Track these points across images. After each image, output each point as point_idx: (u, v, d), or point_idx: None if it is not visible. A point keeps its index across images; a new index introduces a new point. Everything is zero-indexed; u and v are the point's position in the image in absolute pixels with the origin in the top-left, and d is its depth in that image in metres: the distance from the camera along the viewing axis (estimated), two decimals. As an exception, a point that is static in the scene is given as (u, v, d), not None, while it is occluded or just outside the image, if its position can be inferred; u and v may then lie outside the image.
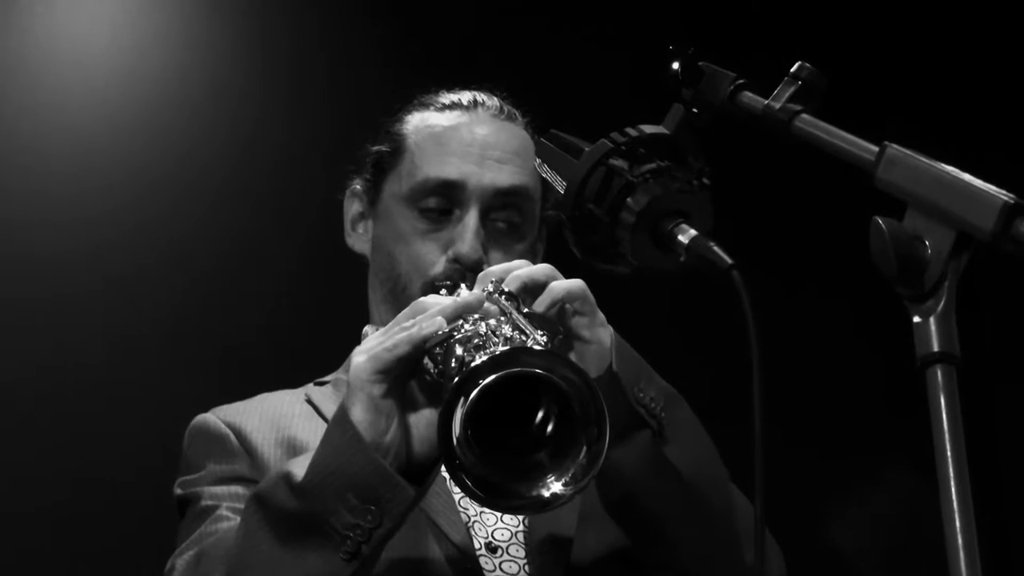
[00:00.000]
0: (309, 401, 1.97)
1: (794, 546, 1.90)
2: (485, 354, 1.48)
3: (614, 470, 1.67)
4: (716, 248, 1.39)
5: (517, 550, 1.81)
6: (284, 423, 1.91)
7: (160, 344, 3.35)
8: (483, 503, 1.54)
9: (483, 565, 1.78)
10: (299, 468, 1.61)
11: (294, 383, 2.04)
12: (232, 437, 1.90)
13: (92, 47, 3.50)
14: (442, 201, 1.95)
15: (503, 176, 1.96)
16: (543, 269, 1.69)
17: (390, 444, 1.58)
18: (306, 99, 3.62)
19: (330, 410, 1.90)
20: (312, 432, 1.88)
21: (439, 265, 1.93)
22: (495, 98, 2.05)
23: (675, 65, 1.49)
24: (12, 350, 3.26)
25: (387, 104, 2.11)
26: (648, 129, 1.50)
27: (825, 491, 3.83)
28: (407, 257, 1.95)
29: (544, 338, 1.54)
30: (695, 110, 1.49)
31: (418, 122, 2.03)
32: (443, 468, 1.53)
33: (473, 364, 1.47)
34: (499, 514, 1.84)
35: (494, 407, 1.49)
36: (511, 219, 1.96)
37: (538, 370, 1.48)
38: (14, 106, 3.39)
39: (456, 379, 1.47)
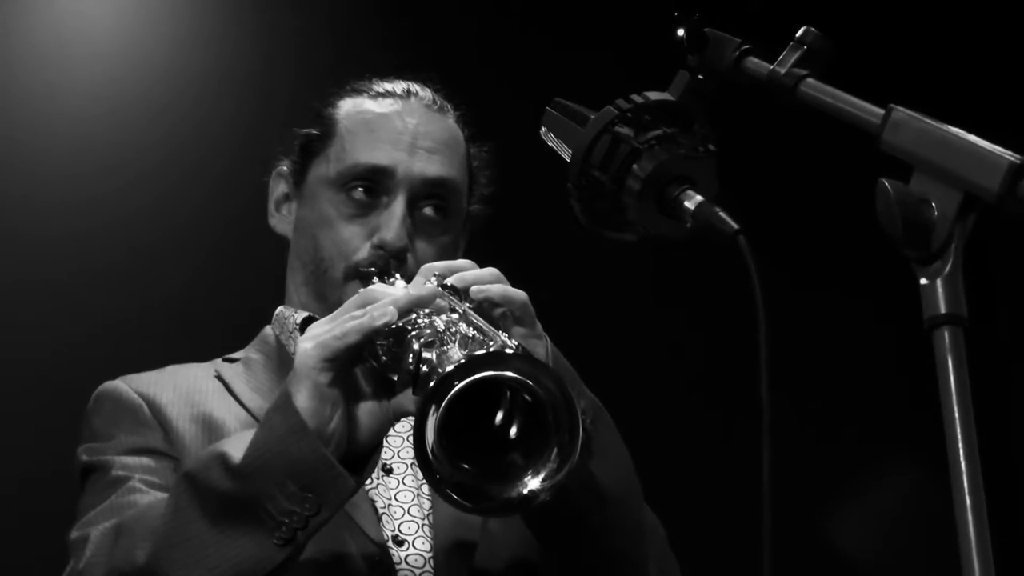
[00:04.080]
0: (219, 378, 1.94)
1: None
2: (451, 359, 1.46)
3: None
4: (722, 214, 1.38)
5: (423, 543, 1.80)
6: (199, 399, 1.88)
7: (180, 319, 3.37)
8: (467, 511, 1.53)
9: (392, 557, 1.77)
10: (235, 450, 1.58)
11: (201, 359, 2.02)
12: (145, 408, 1.86)
13: (96, 28, 3.50)
14: (370, 187, 1.95)
15: (433, 166, 1.96)
16: (490, 273, 1.69)
17: (333, 432, 1.56)
18: (314, 73, 3.62)
19: (241, 388, 1.91)
20: (227, 410, 1.87)
21: (363, 251, 1.92)
22: (428, 90, 2.05)
23: (680, 31, 1.48)
24: (19, 327, 3.27)
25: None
26: (653, 96, 1.50)
27: (829, 480, 3.83)
28: (331, 241, 1.94)
29: (513, 341, 1.53)
30: (700, 76, 1.49)
31: (350, 108, 2.03)
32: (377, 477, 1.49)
33: (447, 369, 1.44)
34: (406, 506, 1.83)
35: (464, 407, 1.47)
36: (437, 210, 1.96)
37: (525, 377, 1.47)
38: (16, 86, 3.40)
39: (432, 382, 1.44)
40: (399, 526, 1.80)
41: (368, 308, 1.57)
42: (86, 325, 3.33)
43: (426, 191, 1.95)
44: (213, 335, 2.13)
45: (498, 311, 1.66)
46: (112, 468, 1.80)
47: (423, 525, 1.81)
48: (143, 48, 3.54)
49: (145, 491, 1.75)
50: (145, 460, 1.81)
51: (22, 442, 3.20)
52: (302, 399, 1.55)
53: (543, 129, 1.61)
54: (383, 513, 1.81)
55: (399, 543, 1.79)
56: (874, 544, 3.83)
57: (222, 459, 1.58)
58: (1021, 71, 4.02)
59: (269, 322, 2.05)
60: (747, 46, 1.45)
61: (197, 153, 3.52)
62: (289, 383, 1.57)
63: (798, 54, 1.39)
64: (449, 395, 1.43)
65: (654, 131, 1.47)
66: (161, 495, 1.72)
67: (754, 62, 1.44)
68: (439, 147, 1.98)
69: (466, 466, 1.48)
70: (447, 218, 1.97)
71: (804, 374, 3.52)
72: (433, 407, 1.43)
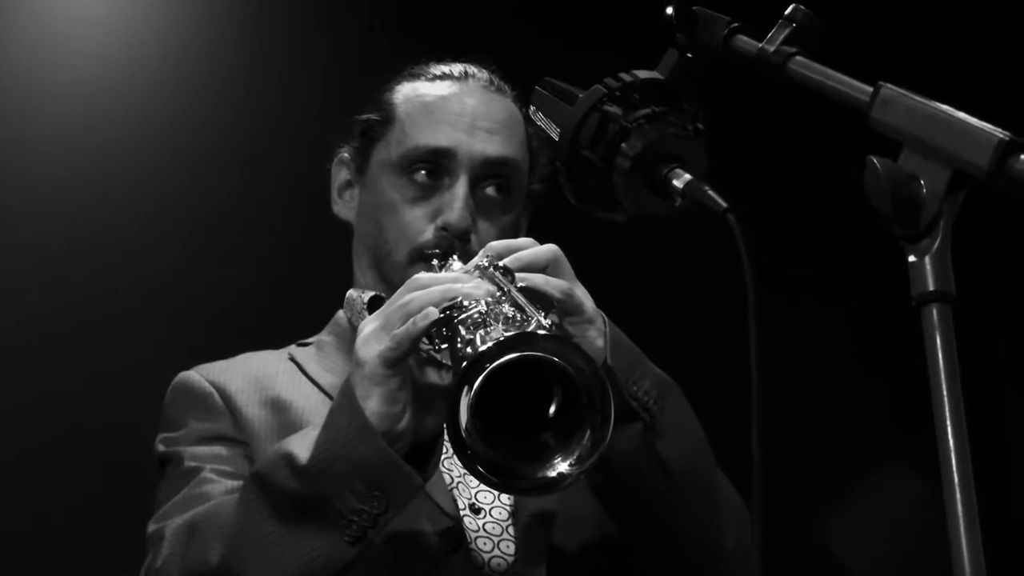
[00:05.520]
0: (292, 359, 1.97)
1: (793, 542, 1.91)
2: (489, 339, 1.48)
3: (604, 460, 1.68)
4: (711, 192, 1.38)
5: (500, 512, 1.82)
6: (268, 382, 1.91)
7: (146, 305, 3.37)
8: (496, 487, 1.56)
9: (467, 525, 1.79)
10: (301, 450, 1.61)
11: (276, 345, 2.05)
12: (216, 395, 1.89)
13: (93, 4, 3.49)
14: (432, 169, 1.95)
15: (493, 146, 1.96)
16: (545, 252, 1.70)
17: (402, 431, 1.59)
18: (303, 58, 3.62)
19: (314, 369, 1.94)
20: (296, 390, 1.90)
21: (427, 233, 1.93)
22: (485, 71, 2.05)
23: (669, 9, 1.48)
24: (8, 304, 3.27)
25: (379, 73, 2.11)
26: (642, 74, 1.49)
27: (825, 485, 3.82)
28: (395, 225, 1.95)
29: (548, 320, 1.54)
30: (689, 55, 1.49)
31: (408, 92, 2.03)
32: (450, 450, 1.53)
33: (480, 349, 1.47)
34: None
35: (499, 387, 1.49)
36: (499, 189, 1.97)
37: (551, 356, 1.49)
38: (12, 63, 3.39)
39: (464, 363, 1.47)
40: (475, 495, 1.83)
41: (413, 317, 1.58)
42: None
43: (487, 171, 1.96)
44: (288, 323, 2.14)
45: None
46: (184, 459, 1.84)
47: (500, 494, 1.83)
48: (138, 20, 3.53)
49: (217, 480, 1.79)
50: (216, 448, 1.84)
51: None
52: (374, 404, 1.58)
53: (531, 108, 1.61)
54: (458, 482, 1.83)
55: (476, 511, 1.81)
56: (862, 542, 3.84)
57: (288, 459, 1.61)
58: (1010, 48, 4.02)
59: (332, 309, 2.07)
60: (736, 24, 1.45)
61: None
62: (354, 387, 1.59)
63: (787, 32, 1.39)
64: (481, 376, 1.45)
65: (643, 110, 1.47)
66: (233, 483, 1.76)
67: (743, 40, 1.43)
68: (499, 127, 1.98)
69: (499, 445, 1.50)
70: (509, 198, 1.98)
71: (792, 365, 3.51)
72: (466, 388, 1.46)
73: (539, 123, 1.59)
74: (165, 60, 3.51)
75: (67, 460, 3.18)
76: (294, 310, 2.06)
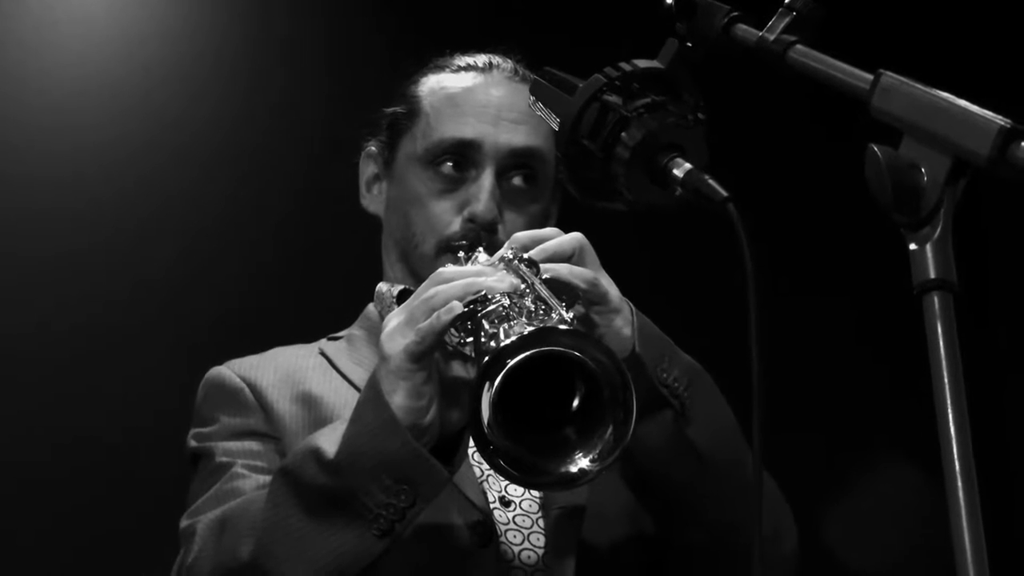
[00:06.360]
0: (323, 354, 1.98)
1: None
2: (513, 333, 1.49)
3: (635, 448, 1.67)
4: (711, 181, 1.38)
5: (530, 505, 1.82)
6: (299, 377, 1.91)
7: (149, 309, 3.36)
8: (517, 482, 1.57)
9: (497, 518, 1.79)
10: (329, 444, 1.61)
11: (306, 340, 2.05)
12: (247, 390, 1.90)
13: (91, 4, 3.49)
14: (457, 161, 1.96)
15: (518, 137, 1.96)
16: (570, 243, 1.70)
17: (428, 424, 1.59)
18: (304, 58, 3.62)
19: (344, 364, 1.94)
20: (327, 385, 1.91)
21: (455, 225, 1.94)
22: (509, 60, 2.05)
23: (669, -1, 1.48)
24: (10, 307, 3.26)
25: (384, 69, 2.11)
26: (642, 64, 1.49)
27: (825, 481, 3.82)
28: (423, 217, 1.96)
29: (570, 314, 1.55)
30: (689, 44, 1.48)
31: (433, 84, 2.03)
32: (473, 445, 1.54)
33: (502, 344, 1.47)
34: None
35: (521, 381, 1.49)
36: (526, 180, 1.97)
37: (572, 351, 1.49)
38: (10, 64, 3.39)
39: (485, 359, 1.48)
40: (505, 488, 1.83)
41: (437, 311, 1.58)
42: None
43: (514, 161, 1.96)
44: (318, 317, 2.14)
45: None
46: (216, 455, 1.85)
47: None
48: (137, 18, 3.52)
49: (248, 476, 1.80)
50: (247, 444, 1.85)
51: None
52: (399, 398, 1.58)
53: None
54: (488, 475, 1.83)
55: (506, 504, 1.81)
56: (862, 534, 3.84)
57: (316, 454, 1.62)
58: (1011, 36, 4.01)
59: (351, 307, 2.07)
60: (736, 13, 1.45)
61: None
62: (380, 382, 1.60)
63: (787, 20, 1.38)
64: (502, 372, 1.46)
65: (643, 99, 1.46)
66: (264, 478, 1.76)
67: (743, 29, 1.43)
68: (524, 117, 1.96)
69: (520, 440, 1.50)
70: (536, 187, 1.98)
71: (793, 353, 3.50)
72: (487, 383, 1.47)
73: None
74: (164, 60, 3.50)
75: (69, 466, 3.18)
76: (300, 310, 2.05)
